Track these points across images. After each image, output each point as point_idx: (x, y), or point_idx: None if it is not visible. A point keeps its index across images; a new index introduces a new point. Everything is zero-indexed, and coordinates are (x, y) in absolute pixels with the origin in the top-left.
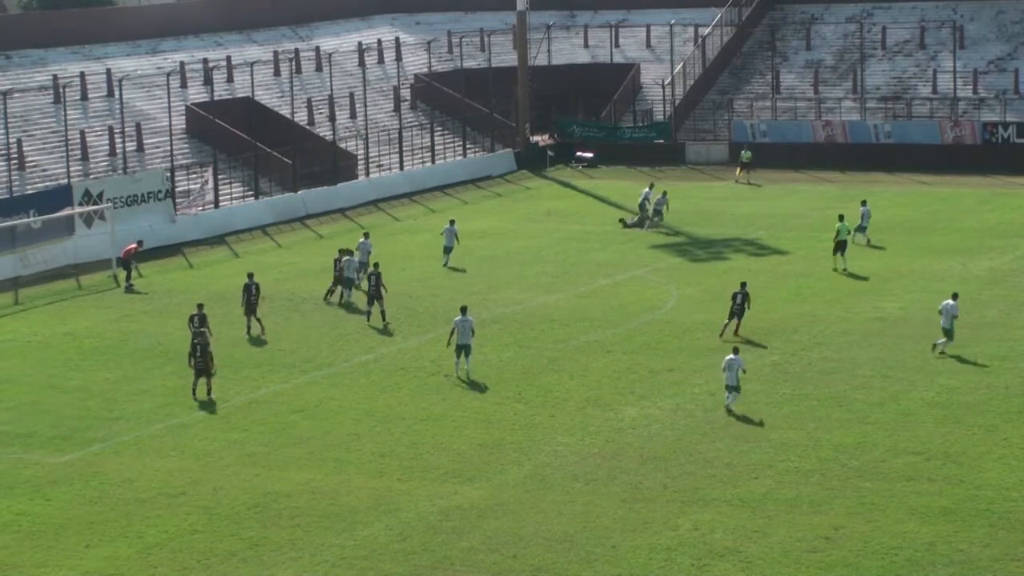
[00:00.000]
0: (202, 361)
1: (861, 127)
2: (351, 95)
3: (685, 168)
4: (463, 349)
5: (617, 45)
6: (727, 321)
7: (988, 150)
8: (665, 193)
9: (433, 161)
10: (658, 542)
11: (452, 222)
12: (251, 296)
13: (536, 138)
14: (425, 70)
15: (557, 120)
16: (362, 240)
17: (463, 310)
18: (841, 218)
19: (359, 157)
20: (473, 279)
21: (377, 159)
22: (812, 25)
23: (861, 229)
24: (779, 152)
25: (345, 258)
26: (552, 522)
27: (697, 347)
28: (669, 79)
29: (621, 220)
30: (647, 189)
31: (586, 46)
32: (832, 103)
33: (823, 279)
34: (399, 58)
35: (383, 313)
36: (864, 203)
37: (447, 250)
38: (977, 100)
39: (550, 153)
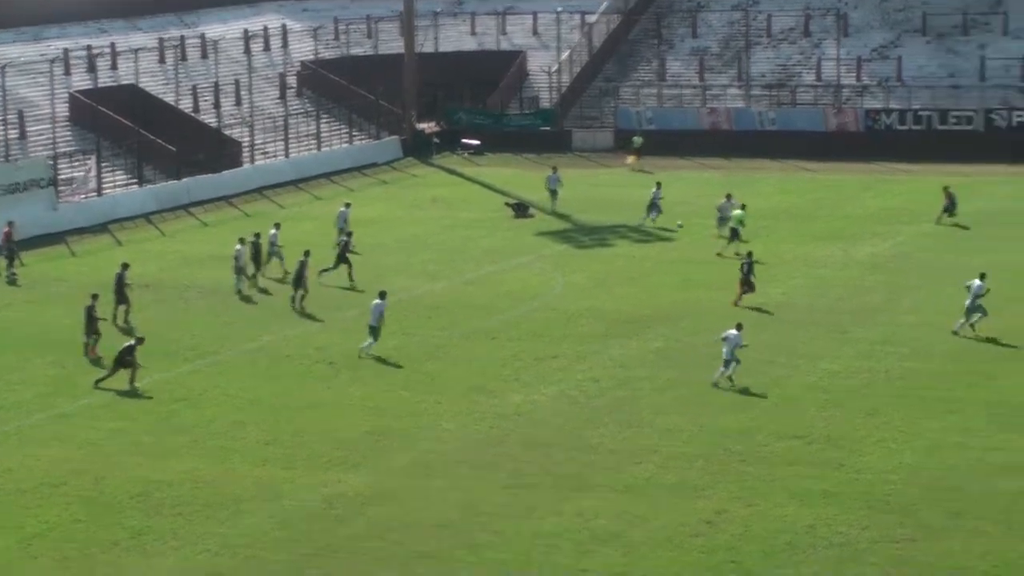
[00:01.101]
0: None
1: (746, 114)
2: (236, 82)
3: (571, 155)
4: (371, 330)
5: (504, 32)
6: (745, 291)
7: (871, 137)
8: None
9: (319, 148)
10: (542, 528)
11: (347, 205)
12: (121, 285)
13: (422, 125)
14: (311, 57)
15: (444, 107)
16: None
17: (381, 295)
18: (742, 207)
19: (244, 144)
20: (359, 267)
21: (262, 146)
22: (698, 13)
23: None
24: (665, 139)
25: (237, 247)
26: (436, 508)
27: (582, 334)
28: (555, 66)
29: (507, 204)
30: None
31: (473, 33)
32: (717, 90)
33: (707, 265)
34: (285, 45)
35: (299, 289)
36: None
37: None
38: (860, 87)
39: (436, 140)
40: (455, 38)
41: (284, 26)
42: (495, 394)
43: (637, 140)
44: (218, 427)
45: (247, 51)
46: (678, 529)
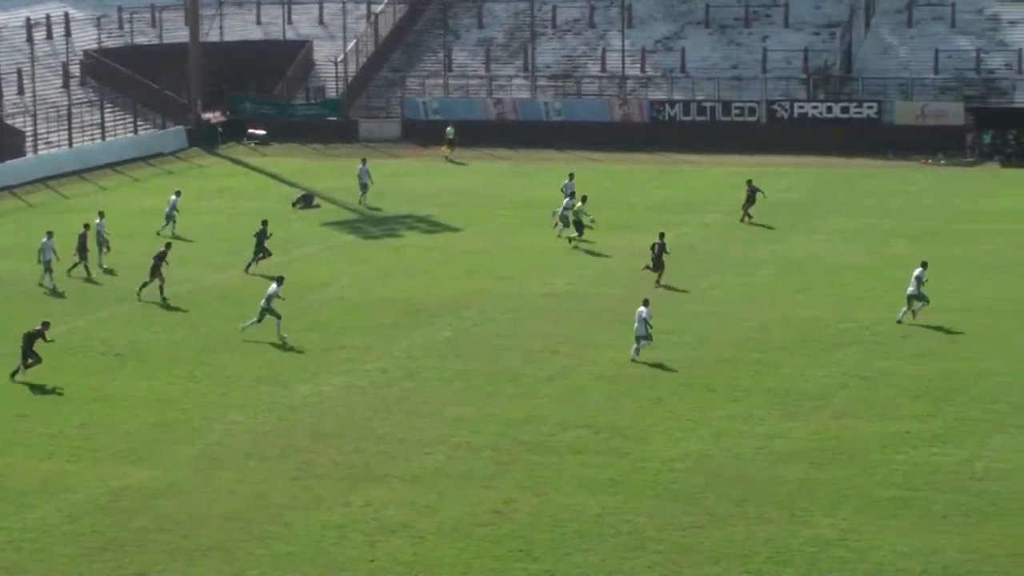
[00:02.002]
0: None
1: (532, 105)
2: (19, 71)
3: (358, 145)
4: (260, 312)
5: (290, 22)
6: (652, 269)
7: (656, 128)
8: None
9: (103, 138)
10: (331, 519)
11: (178, 193)
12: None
13: (208, 115)
14: (95, 46)
15: (229, 97)
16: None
17: (279, 280)
18: (584, 199)
19: (27, 134)
20: (144, 257)
21: (46, 136)
22: (483, 3)
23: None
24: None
25: (43, 240)
26: (224, 501)
27: (370, 324)
28: (342, 56)
29: (294, 204)
30: (361, 164)
31: (259, 23)
32: (503, 81)
33: (494, 256)
34: (68, 34)
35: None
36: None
37: (168, 218)
38: (645, 78)
39: (221, 130)
40: (240, 27)
41: (67, 14)
42: (283, 385)
43: (450, 131)
44: (0, 420)
45: (29, 39)
46: (466, 519)
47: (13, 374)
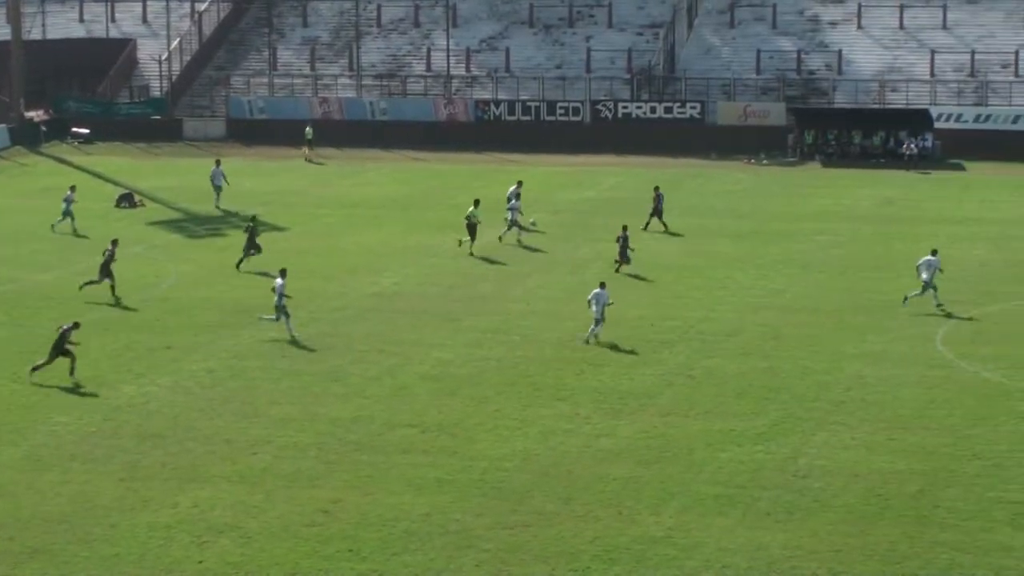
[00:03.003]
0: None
1: (357, 104)
2: None
3: (182, 144)
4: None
5: (113, 20)
6: (618, 261)
7: (481, 127)
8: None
9: None
10: (157, 520)
11: (72, 188)
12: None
13: (31, 113)
14: None
15: (52, 96)
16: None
17: (282, 273)
18: (476, 203)
19: None
20: None
21: None
22: (308, 2)
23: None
24: (277, 129)
25: None
26: (50, 503)
27: (196, 324)
28: (166, 55)
29: (118, 203)
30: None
31: (81, 20)
32: (329, 80)
33: (320, 255)
34: None
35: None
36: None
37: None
38: (470, 78)
39: (44, 129)
40: (63, 25)
41: None
42: (109, 386)
43: (309, 131)
44: None
45: None
46: (294, 519)
47: (35, 369)
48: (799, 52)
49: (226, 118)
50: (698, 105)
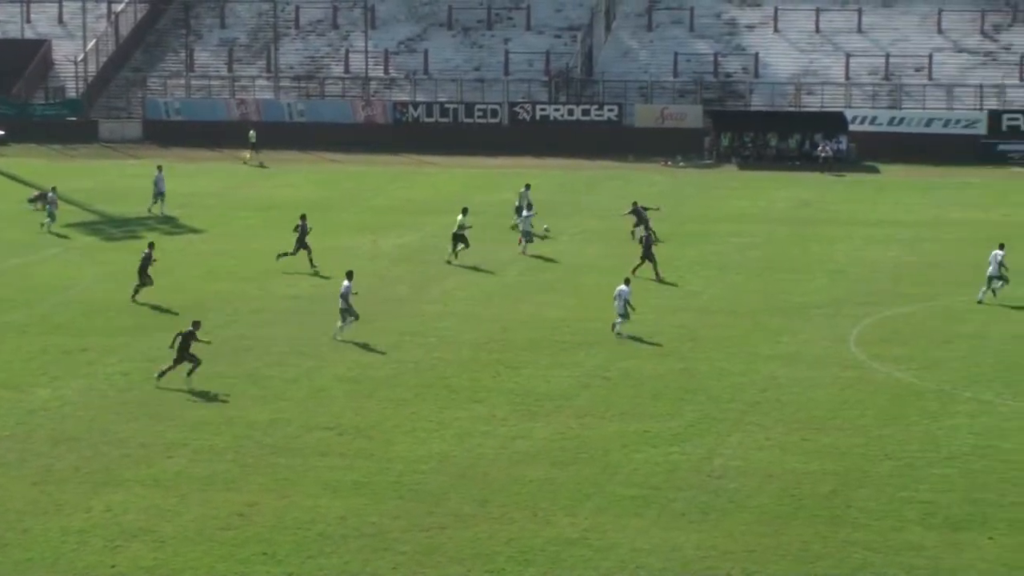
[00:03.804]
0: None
1: (275, 106)
2: None
3: (99, 146)
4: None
5: (28, 21)
6: (640, 263)
7: (399, 129)
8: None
9: None
10: (71, 524)
11: (54, 189)
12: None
13: None
14: None
15: None
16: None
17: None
18: (464, 211)
19: None
20: None
21: None
22: (226, 3)
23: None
24: (194, 130)
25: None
26: None
27: (111, 326)
28: (82, 56)
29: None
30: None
31: None
32: (247, 81)
33: (237, 257)
34: None
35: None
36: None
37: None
38: (388, 80)
39: None
40: None
41: None
42: (21, 389)
43: (252, 135)
44: None
45: None
46: (209, 522)
47: (161, 374)
48: (716, 55)
49: (142, 119)
50: (616, 107)
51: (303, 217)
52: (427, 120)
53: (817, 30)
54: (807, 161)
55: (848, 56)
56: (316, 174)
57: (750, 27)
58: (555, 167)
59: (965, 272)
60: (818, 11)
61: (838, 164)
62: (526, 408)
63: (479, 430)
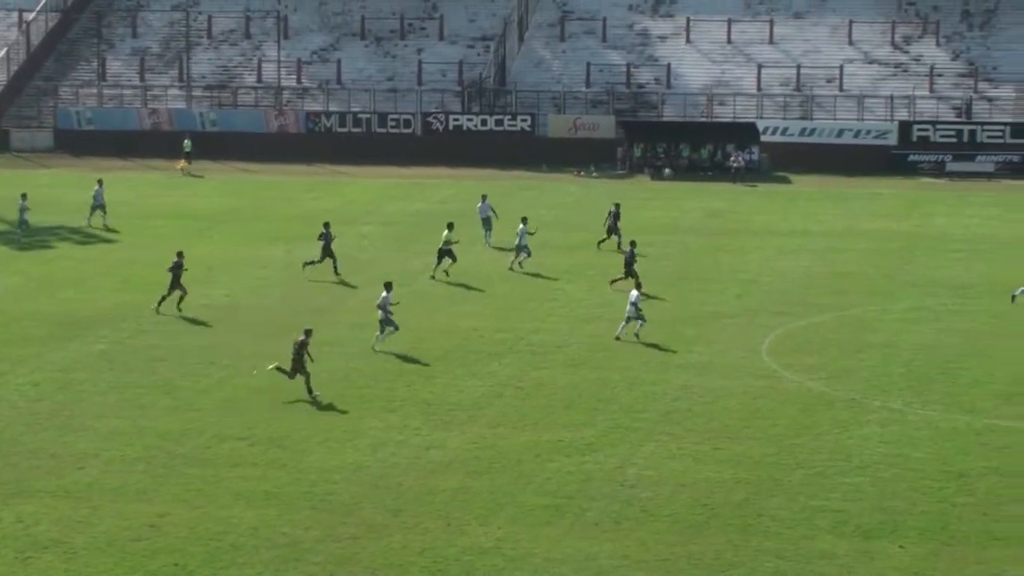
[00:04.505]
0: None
1: (187, 115)
2: None
3: (10, 156)
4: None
5: None
6: (620, 279)
7: (312, 139)
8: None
9: None
10: None
11: (24, 196)
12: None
13: None
14: None
15: None
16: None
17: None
18: (450, 226)
19: None
20: None
21: None
22: (138, 12)
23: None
24: (106, 139)
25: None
26: None
27: (22, 337)
28: None
29: None
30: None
31: None
32: (159, 91)
33: (150, 267)
34: None
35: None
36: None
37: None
38: (301, 90)
39: None
40: None
41: None
42: None
43: (187, 143)
44: None
45: None
46: (121, 533)
47: (287, 373)
48: (629, 65)
49: (54, 129)
50: (529, 118)
51: (327, 225)
52: (340, 130)
53: (729, 41)
54: (719, 172)
55: (760, 67)
56: (229, 183)
57: (662, 38)
58: (468, 177)
59: (876, 282)
60: (730, 22)
61: (750, 174)
62: (440, 418)
63: (393, 440)
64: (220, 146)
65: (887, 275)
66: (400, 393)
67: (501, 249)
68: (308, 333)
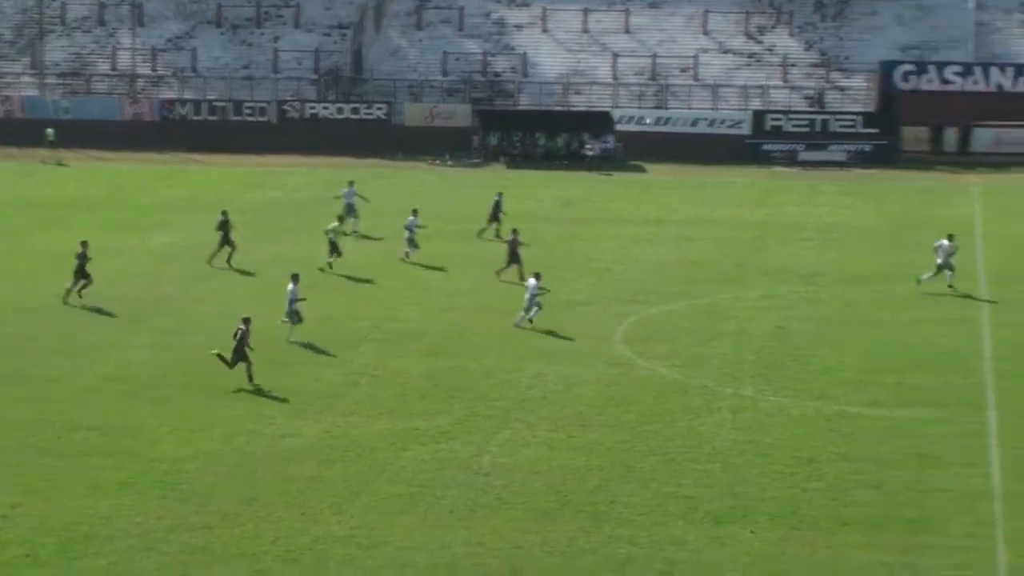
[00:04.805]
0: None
1: (39, 103)
2: None
3: None
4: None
5: None
6: (504, 267)
7: (166, 127)
8: None
9: None
10: None
11: None
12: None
13: None
14: None
15: None
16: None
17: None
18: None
19: None
20: None
21: None
22: None
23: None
24: None
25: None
26: None
27: None
28: None
29: None
30: None
31: None
32: (11, 78)
33: (3, 256)
34: None
35: None
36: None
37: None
38: (156, 78)
39: None
40: None
41: None
42: None
43: (50, 132)
44: None
45: None
46: None
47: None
48: (485, 54)
49: None
50: (385, 106)
51: (224, 213)
52: (195, 118)
53: (585, 30)
54: (574, 160)
55: (615, 56)
56: (82, 172)
57: (519, 27)
58: (323, 165)
59: (728, 270)
60: (586, 11)
61: (605, 163)
62: (294, 406)
63: (247, 429)
64: (73, 134)
65: (739, 263)
66: (255, 381)
67: (367, 238)
68: (247, 322)
